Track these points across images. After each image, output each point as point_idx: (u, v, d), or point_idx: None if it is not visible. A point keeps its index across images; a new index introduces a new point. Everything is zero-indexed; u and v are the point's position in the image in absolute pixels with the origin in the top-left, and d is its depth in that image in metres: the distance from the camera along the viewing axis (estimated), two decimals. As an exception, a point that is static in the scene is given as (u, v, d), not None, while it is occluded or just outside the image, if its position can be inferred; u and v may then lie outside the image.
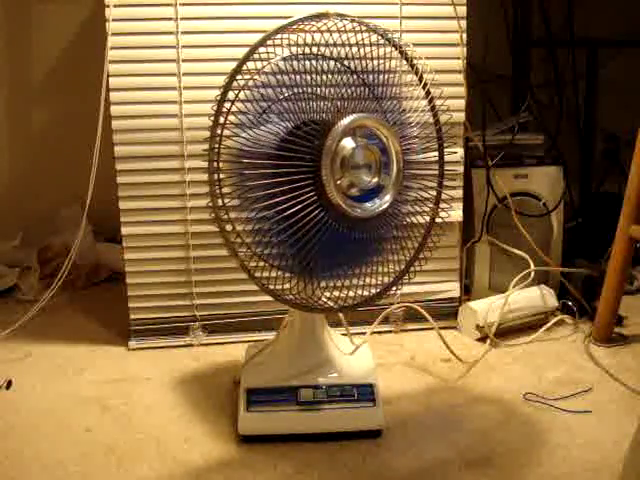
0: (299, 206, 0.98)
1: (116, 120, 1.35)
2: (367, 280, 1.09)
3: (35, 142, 1.94)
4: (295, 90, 1.02)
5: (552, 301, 1.52)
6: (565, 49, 1.81)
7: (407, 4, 1.37)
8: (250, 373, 1.18)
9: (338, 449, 1.08)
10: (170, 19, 1.33)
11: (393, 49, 1.07)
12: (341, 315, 1.27)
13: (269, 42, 1.02)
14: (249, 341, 1.37)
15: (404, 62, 1.09)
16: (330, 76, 1.02)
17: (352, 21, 1.04)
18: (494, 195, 1.55)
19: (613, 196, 1.75)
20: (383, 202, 1.02)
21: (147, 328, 1.44)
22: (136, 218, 1.38)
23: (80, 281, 1.76)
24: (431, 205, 1.10)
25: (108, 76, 1.32)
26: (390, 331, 1.49)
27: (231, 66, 1.01)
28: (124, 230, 1.40)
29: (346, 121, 0.98)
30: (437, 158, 1.11)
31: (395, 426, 1.13)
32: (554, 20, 1.77)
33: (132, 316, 1.44)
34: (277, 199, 0.99)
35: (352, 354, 1.22)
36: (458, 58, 1.40)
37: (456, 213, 1.46)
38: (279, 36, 1.02)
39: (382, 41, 1.06)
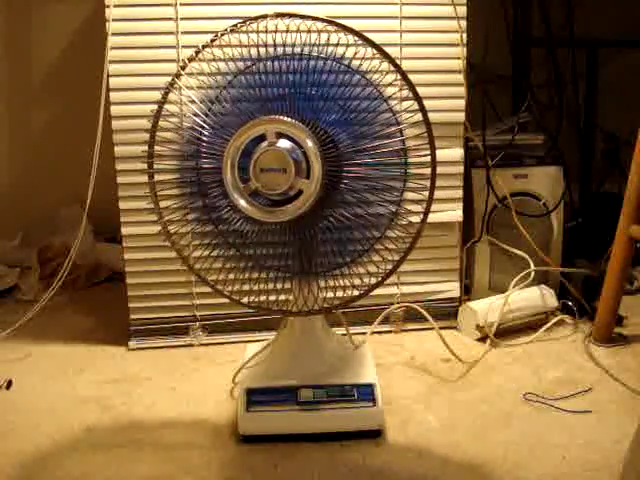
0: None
1: (116, 120, 1.35)
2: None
3: (35, 142, 1.94)
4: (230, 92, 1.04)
5: (552, 301, 1.52)
6: (565, 49, 1.81)
7: (407, 4, 1.37)
8: (250, 373, 1.18)
9: (338, 449, 1.08)
10: (170, 19, 1.33)
11: (339, 48, 1.03)
12: (341, 315, 1.27)
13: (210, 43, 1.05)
14: (249, 341, 1.37)
15: (346, 64, 1.04)
16: (260, 77, 1.03)
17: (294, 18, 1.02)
18: (494, 195, 1.55)
19: (613, 196, 1.75)
20: (297, 207, 0.98)
21: (147, 328, 1.44)
22: (136, 218, 1.38)
23: (80, 281, 1.76)
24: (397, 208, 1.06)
25: (108, 76, 1.32)
26: (390, 331, 1.49)
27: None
28: (124, 230, 1.40)
29: (249, 124, 0.97)
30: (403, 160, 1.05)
31: (395, 426, 1.13)
32: (554, 20, 1.77)
33: (132, 316, 1.44)
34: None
35: (352, 354, 1.22)
36: (458, 58, 1.40)
37: (456, 213, 1.47)
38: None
39: (337, 40, 1.02)
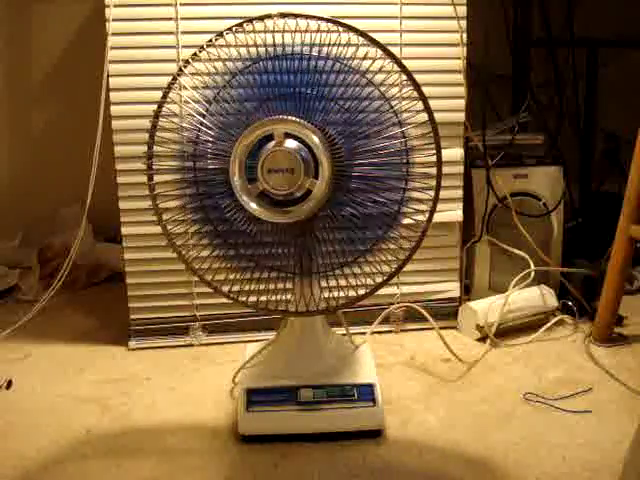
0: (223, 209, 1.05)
1: (116, 120, 1.35)
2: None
3: (35, 142, 1.94)
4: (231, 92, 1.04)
5: (552, 301, 1.52)
6: (565, 49, 1.81)
7: (407, 4, 1.37)
8: (250, 373, 1.18)
9: (338, 449, 1.08)
10: (170, 19, 1.33)
11: (340, 48, 1.02)
12: (341, 315, 1.27)
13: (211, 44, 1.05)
14: (249, 341, 1.37)
15: (348, 62, 1.03)
16: (258, 77, 1.03)
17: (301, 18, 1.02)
18: (494, 195, 1.55)
19: (613, 196, 1.75)
20: (310, 207, 0.99)
21: (147, 328, 1.44)
22: (136, 218, 1.38)
23: (80, 281, 1.76)
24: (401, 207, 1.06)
25: (108, 76, 1.32)
26: (390, 331, 1.49)
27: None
28: (124, 230, 1.40)
29: (257, 124, 0.97)
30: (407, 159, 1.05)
31: (395, 426, 1.13)
32: (554, 20, 1.77)
33: (132, 316, 1.44)
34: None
35: (352, 354, 1.22)
36: (458, 58, 1.40)
37: (456, 213, 1.47)
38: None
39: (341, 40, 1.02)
